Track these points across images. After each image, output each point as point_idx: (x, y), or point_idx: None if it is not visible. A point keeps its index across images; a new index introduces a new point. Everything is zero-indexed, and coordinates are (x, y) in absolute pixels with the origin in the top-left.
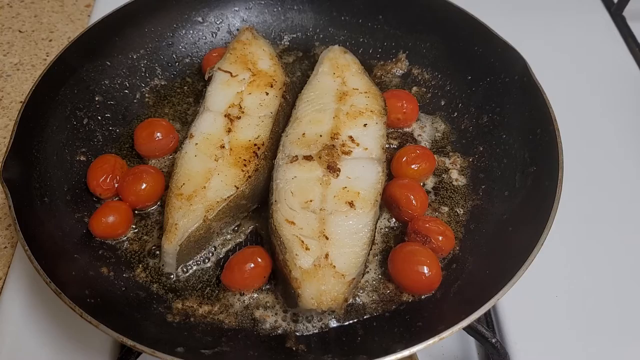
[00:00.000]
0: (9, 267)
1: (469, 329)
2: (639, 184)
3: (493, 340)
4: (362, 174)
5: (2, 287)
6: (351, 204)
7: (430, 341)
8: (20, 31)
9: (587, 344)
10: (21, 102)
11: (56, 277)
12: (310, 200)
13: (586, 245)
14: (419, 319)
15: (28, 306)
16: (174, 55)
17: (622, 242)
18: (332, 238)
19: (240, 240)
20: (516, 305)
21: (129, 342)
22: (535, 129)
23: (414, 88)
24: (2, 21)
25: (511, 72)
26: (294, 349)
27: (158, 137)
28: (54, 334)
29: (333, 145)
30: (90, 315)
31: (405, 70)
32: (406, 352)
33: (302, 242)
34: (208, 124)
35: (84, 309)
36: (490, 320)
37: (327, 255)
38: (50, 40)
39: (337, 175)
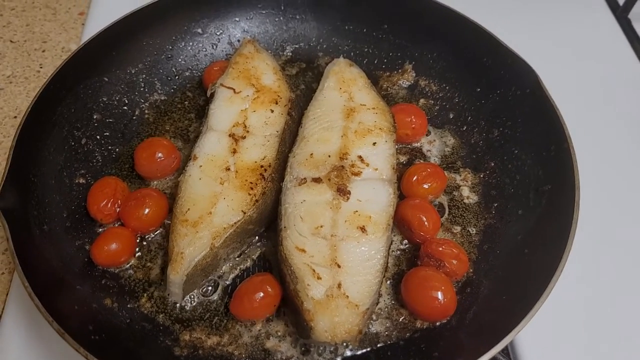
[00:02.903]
0: (7, 294)
1: None
2: None
3: None
4: (373, 196)
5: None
6: (363, 229)
7: None
8: (11, 41)
9: None
10: (15, 117)
11: (59, 314)
12: (321, 226)
13: (605, 264)
14: (435, 349)
15: (28, 339)
16: (174, 69)
17: None
18: (344, 266)
19: (248, 265)
20: (533, 329)
21: None
22: (548, 145)
23: (422, 100)
24: None
25: (522, 85)
26: None
27: (159, 157)
28: None
29: (342, 166)
30: (95, 355)
31: (412, 81)
32: None
33: (314, 271)
34: (212, 144)
35: (89, 349)
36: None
37: (339, 285)
38: (44, 51)
39: (348, 199)
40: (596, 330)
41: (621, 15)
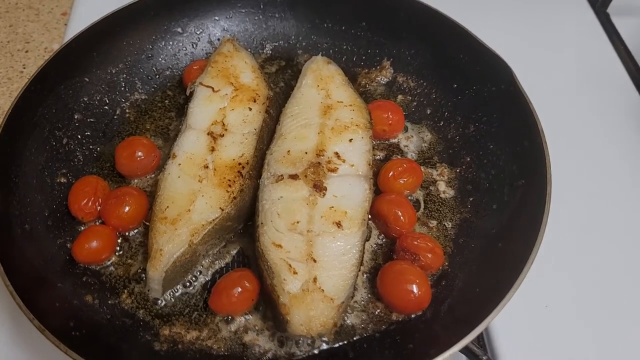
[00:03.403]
0: None
1: None
2: (629, 188)
3: (484, 358)
4: (349, 192)
5: None
6: (338, 224)
7: None
8: None
9: (580, 355)
10: None
11: (40, 312)
12: (297, 222)
13: (575, 254)
14: (409, 341)
15: (11, 336)
16: (154, 68)
17: (612, 251)
18: (320, 260)
19: (227, 261)
20: (506, 318)
21: None
22: (522, 141)
23: (399, 96)
24: None
25: (497, 81)
26: None
27: (140, 156)
28: None
29: (319, 162)
30: (76, 351)
31: (390, 78)
32: None
33: (290, 266)
34: (191, 142)
35: (69, 345)
36: (480, 336)
37: (315, 279)
38: (27, 52)
39: (324, 195)
40: (569, 319)
41: (600, 10)
